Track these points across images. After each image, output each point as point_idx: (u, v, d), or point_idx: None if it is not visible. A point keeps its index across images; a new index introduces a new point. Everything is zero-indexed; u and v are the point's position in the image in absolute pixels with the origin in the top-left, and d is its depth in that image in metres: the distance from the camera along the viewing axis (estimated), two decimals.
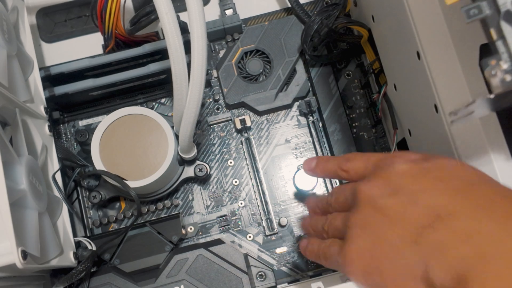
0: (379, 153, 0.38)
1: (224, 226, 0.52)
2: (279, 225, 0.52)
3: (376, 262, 0.30)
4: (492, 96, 0.26)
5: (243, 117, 0.53)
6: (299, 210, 0.52)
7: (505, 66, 0.26)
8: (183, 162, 0.51)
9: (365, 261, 0.30)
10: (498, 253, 0.25)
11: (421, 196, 0.29)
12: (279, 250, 0.51)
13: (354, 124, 0.54)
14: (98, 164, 0.47)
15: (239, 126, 0.53)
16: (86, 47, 0.55)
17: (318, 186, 0.51)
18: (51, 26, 0.57)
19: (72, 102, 0.53)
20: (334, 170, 0.38)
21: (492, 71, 0.26)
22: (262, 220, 0.52)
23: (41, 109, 0.48)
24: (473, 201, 0.27)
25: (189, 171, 0.51)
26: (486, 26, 0.27)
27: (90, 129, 0.53)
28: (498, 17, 0.26)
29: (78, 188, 0.52)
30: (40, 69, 0.49)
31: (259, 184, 0.53)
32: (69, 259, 0.45)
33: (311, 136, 0.54)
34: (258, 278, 0.46)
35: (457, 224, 0.27)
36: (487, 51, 0.27)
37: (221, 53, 0.55)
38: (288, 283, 0.50)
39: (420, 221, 0.28)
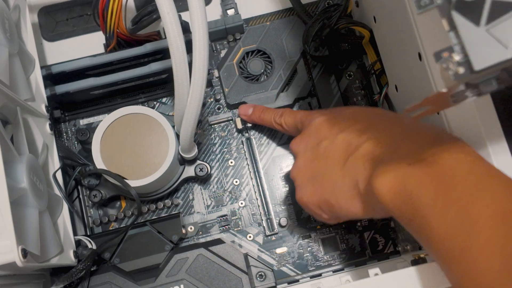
0: (303, 111, 0.47)
1: (224, 226, 0.52)
2: (279, 225, 0.52)
3: (322, 196, 0.39)
4: (445, 90, 0.25)
5: None
6: (300, 210, 0.52)
7: (457, 58, 0.24)
8: (183, 161, 0.51)
9: (314, 199, 0.40)
10: (388, 157, 0.34)
11: (338, 137, 0.39)
12: (279, 251, 0.51)
13: None
14: (99, 163, 0.47)
15: (240, 126, 0.53)
16: (87, 46, 0.55)
17: None
18: (53, 24, 0.57)
19: (73, 101, 0.53)
20: (270, 121, 0.49)
21: (444, 64, 0.25)
22: (262, 220, 0.52)
23: (42, 107, 0.48)
24: (374, 132, 0.37)
25: (189, 171, 0.51)
26: (438, 16, 0.25)
27: (91, 128, 0.53)
28: (449, 7, 0.25)
29: (79, 187, 0.52)
30: (42, 67, 0.49)
31: (259, 184, 0.53)
32: (69, 257, 0.45)
33: None
34: (258, 278, 0.47)
35: (365, 148, 0.36)
36: None
37: (223, 53, 0.55)
38: (288, 283, 0.50)
39: (342, 156, 0.38)
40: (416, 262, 0.43)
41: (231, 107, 0.54)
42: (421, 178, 0.31)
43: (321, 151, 0.40)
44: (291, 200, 0.52)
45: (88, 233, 0.51)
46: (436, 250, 0.30)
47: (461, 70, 0.24)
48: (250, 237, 0.52)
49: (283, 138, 0.54)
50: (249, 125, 0.53)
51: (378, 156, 0.35)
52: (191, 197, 0.53)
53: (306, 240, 0.51)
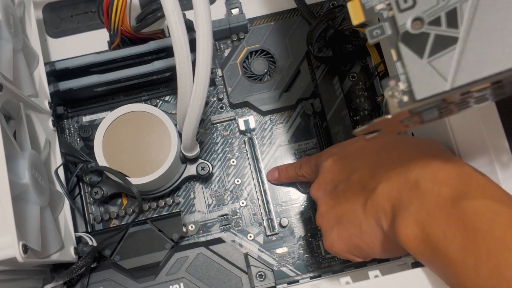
0: (315, 155, 0.48)
1: (225, 225, 0.52)
2: (280, 225, 0.52)
3: (351, 242, 0.39)
4: (389, 116, 0.27)
5: (246, 118, 0.53)
6: (300, 211, 0.52)
7: (402, 87, 0.26)
8: (185, 160, 0.51)
9: (343, 247, 0.40)
10: (406, 199, 0.34)
11: (352, 179, 0.39)
12: (279, 251, 0.51)
13: (357, 126, 0.54)
14: (101, 160, 0.47)
15: (242, 127, 0.53)
16: (91, 43, 0.55)
17: None
18: (57, 21, 0.57)
19: (76, 98, 0.53)
20: (294, 176, 0.50)
21: (389, 92, 0.26)
22: (263, 220, 0.52)
23: (45, 104, 0.48)
24: (385, 169, 0.36)
25: (191, 170, 0.51)
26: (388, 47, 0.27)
27: (94, 125, 0.53)
28: (397, 38, 0.26)
29: (80, 184, 0.52)
30: (45, 64, 0.49)
31: (261, 184, 0.53)
32: (69, 254, 0.45)
33: (314, 137, 0.54)
34: (258, 278, 0.46)
35: (381, 191, 0.36)
36: None
37: (226, 52, 0.55)
38: (288, 283, 0.50)
39: (360, 198, 0.38)
40: (416, 264, 0.43)
41: (234, 106, 0.54)
42: (443, 230, 0.31)
43: (339, 195, 0.40)
44: (292, 202, 0.52)
45: (89, 230, 0.51)
46: None
47: (406, 98, 0.26)
48: (250, 236, 0.52)
49: (284, 139, 0.54)
50: (252, 127, 0.53)
51: (395, 198, 0.35)
52: (192, 195, 0.53)
53: (306, 240, 0.51)
